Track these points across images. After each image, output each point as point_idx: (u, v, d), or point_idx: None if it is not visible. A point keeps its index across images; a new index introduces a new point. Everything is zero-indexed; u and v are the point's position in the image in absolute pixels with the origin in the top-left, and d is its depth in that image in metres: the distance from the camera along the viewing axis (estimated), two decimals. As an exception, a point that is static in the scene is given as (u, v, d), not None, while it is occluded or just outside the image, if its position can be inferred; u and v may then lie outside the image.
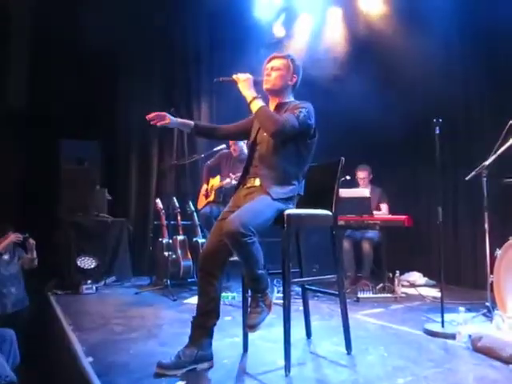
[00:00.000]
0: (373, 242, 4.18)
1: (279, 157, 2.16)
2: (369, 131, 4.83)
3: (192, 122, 2.39)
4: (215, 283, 2.11)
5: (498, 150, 2.97)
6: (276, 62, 2.25)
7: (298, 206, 2.22)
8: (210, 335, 2.12)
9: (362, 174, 4.51)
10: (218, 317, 2.13)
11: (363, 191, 4.21)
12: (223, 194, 4.23)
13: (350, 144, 4.85)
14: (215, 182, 4.37)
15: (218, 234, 2.07)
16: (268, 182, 2.13)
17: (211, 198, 4.35)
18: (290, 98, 2.30)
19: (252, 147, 2.29)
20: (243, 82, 2.17)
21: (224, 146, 4.40)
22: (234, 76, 2.20)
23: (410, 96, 4.61)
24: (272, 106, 2.28)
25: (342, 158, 2.33)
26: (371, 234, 4.23)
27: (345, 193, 3.90)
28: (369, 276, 4.14)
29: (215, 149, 4.42)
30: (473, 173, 3.10)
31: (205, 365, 2.07)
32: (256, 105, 2.12)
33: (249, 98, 2.15)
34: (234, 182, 4.08)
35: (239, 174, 2.37)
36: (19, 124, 4.70)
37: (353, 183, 4.47)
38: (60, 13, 4.58)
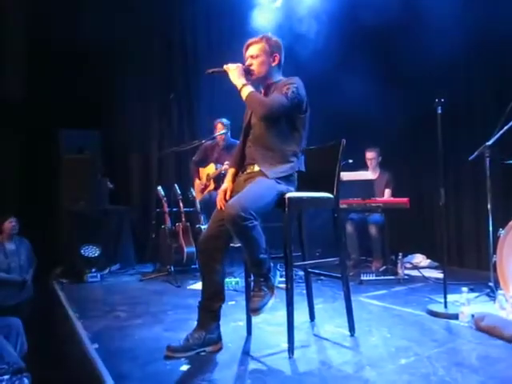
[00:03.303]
0: (378, 225, 4.17)
1: (274, 136, 2.15)
2: (372, 114, 4.79)
3: (234, 172, 2.30)
4: (217, 267, 2.12)
5: (500, 129, 2.94)
6: (253, 50, 2.21)
7: (300, 189, 2.21)
8: (217, 318, 2.14)
9: (370, 155, 4.49)
10: (223, 299, 2.14)
11: (366, 174, 4.20)
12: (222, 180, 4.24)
13: (354, 127, 4.82)
14: (210, 170, 4.36)
15: (219, 219, 2.07)
16: (265, 163, 2.12)
17: (211, 186, 4.35)
18: (277, 78, 2.26)
19: (246, 131, 2.28)
20: (233, 71, 2.15)
21: (224, 131, 4.38)
22: (225, 66, 2.19)
23: (411, 79, 4.55)
24: (263, 90, 2.26)
25: (343, 140, 2.30)
26: (376, 217, 4.22)
27: (348, 176, 3.88)
28: (380, 257, 4.14)
29: (215, 134, 4.39)
30: (475, 153, 3.08)
31: (213, 347, 2.10)
32: (245, 91, 2.11)
33: (238, 86, 2.14)
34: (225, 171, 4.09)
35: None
36: (19, 113, 4.68)
37: (359, 166, 4.45)
38: (60, 4, 4.53)
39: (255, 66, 2.20)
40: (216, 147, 4.43)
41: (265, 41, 2.21)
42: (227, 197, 2.19)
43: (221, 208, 2.16)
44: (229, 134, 4.35)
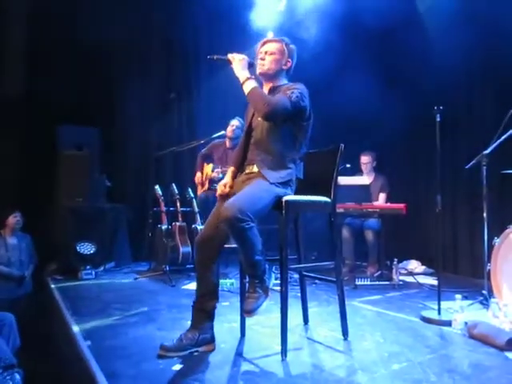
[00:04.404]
0: (375, 230, 4.18)
1: (274, 141, 2.15)
2: (371, 119, 4.82)
3: (234, 170, 2.31)
4: (213, 266, 2.12)
5: (498, 138, 2.96)
6: (270, 46, 2.22)
7: (297, 193, 2.22)
8: (211, 318, 2.14)
9: (365, 160, 4.51)
10: (217, 299, 2.15)
11: (363, 179, 4.21)
12: (215, 184, 4.25)
13: (351, 132, 4.84)
14: (208, 169, 4.38)
15: (216, 219, 2.08)
16: (265, 167, 2.13)
17: (206, 187, 4.37)
18: (283, 82, 2.27)
19: (247, 133, 2.28)
20: (238, 62, 2.14)
21: (223, 132, 4.38)
22: (230, 55, 2.18)
23: (411, 84, 4.57)
24: (265, 90, 2.26)
25: (342, 145, 2.31)
26: (372, 222, 4.22)
27: (345, 180, 3.90)
28: (376, 262, 4.15)
29: (214, 135, 4.40)
30: (473, 161, 3.09)
31: (206, 347, 2.10)
32: (248, 85, 2.10)
33: (242, 79, 2.12)
34: (221, 176, 4.08)
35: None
36: (18, 109, 4.67)
37: (355, 169, 4.47)
38: (60, 2, 4.53)
39: (267, 61, 2.20)
40: (223, 146, 4.43)
41: (284, 43, 2.23)
42: (226, 189, 2.23)
43: (222, 196, 2.21)
44: (240, 133, 4.34)
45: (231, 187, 2.25)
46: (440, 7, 4.17)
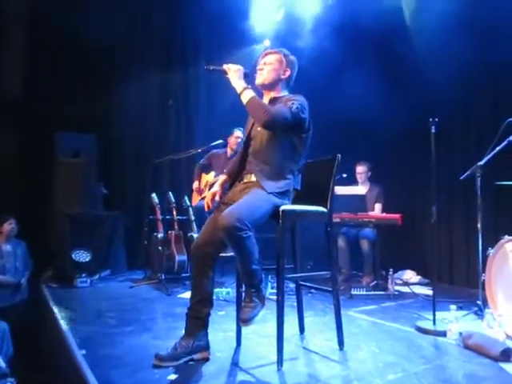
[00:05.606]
0: (370, 240, 4.19)
1: (273, 151, 2.17)
2: (367, 129, 4.85)
3: (226, 179, 2.35)
4: (208, 273, 2.13)
5: (492, 150, 2.99)
6: (268, 58, 2.27)
7: (294, 202, 2.23)
8: (205, 326, 2.14)
9: (360, 169, 4.54)
10: (211, 306, 2.14)
11: (359, 189, 4.23)
12: None
13: (348, 142, 4.87)
14: (209, 178, 4.39)
15: (212, 226, 2.09)
16: (263, 177, 2.14)
17: (204, 194, 4.37)
18: (283, 93, 2.29)
19: (246, 142, 2.30)
20: (234, 72, 2.16)
21: (221, 141, 4.40)
22: (225, 66, 2.20)
23: (409, 95, 4.62)
24: (266, 101, 2.28)
25: (339, 155, 2.33)
26: (368, 232, 4.23)
27: (341, 190, 3.92)
28: (371, 272, 4.16)
29: (212, 144, 4.41)
30: (467, 172, 3.12)
31: (201, 355, 2.09)
32: (246, 95, 2.11)
33: (239, 89, 2.13)
34: None
35: None
36: (16, 115, 4.68)
37: (352, 179, 4.50)
38: (60, 4, 4.56)
39: (265, 71, 2.24)
40: (224, 155, 4.44)
41: (282, 54, 2.27)
42: (213, 201, 2.29)
43: (208, 207, 2.27)
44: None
45: (220, 197, 2.29)
46: (435, 17, 4.21)
